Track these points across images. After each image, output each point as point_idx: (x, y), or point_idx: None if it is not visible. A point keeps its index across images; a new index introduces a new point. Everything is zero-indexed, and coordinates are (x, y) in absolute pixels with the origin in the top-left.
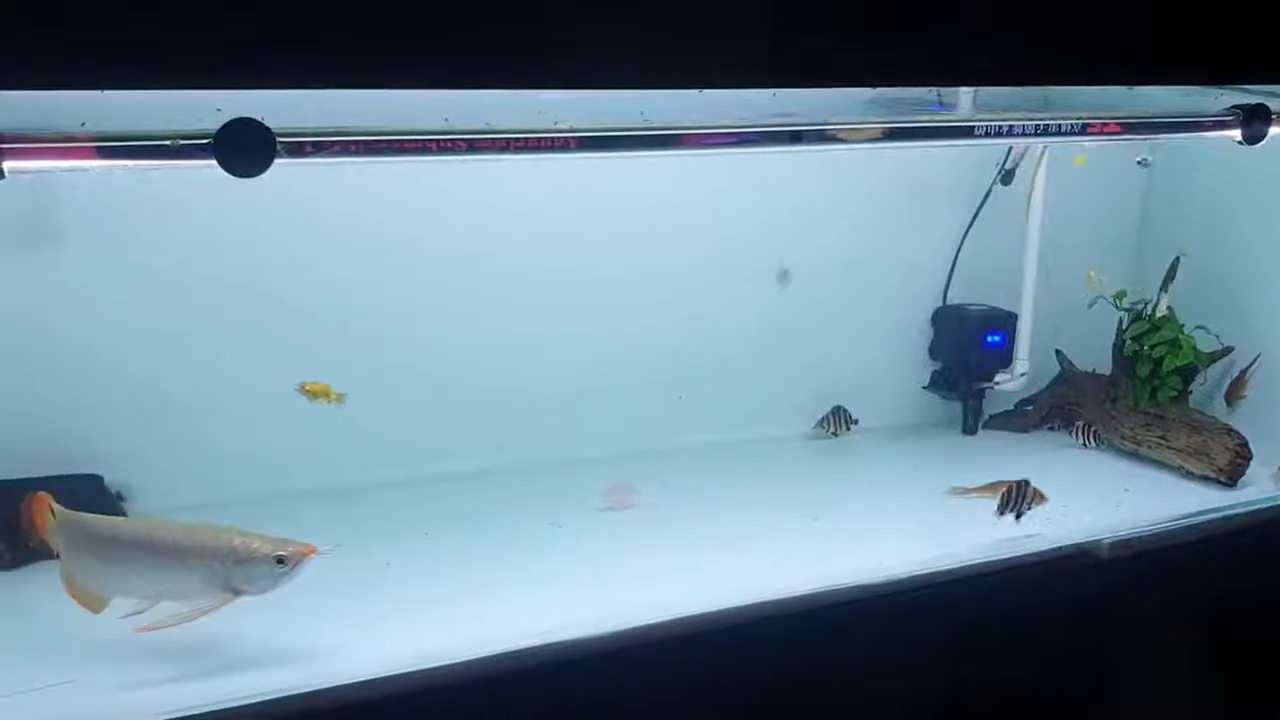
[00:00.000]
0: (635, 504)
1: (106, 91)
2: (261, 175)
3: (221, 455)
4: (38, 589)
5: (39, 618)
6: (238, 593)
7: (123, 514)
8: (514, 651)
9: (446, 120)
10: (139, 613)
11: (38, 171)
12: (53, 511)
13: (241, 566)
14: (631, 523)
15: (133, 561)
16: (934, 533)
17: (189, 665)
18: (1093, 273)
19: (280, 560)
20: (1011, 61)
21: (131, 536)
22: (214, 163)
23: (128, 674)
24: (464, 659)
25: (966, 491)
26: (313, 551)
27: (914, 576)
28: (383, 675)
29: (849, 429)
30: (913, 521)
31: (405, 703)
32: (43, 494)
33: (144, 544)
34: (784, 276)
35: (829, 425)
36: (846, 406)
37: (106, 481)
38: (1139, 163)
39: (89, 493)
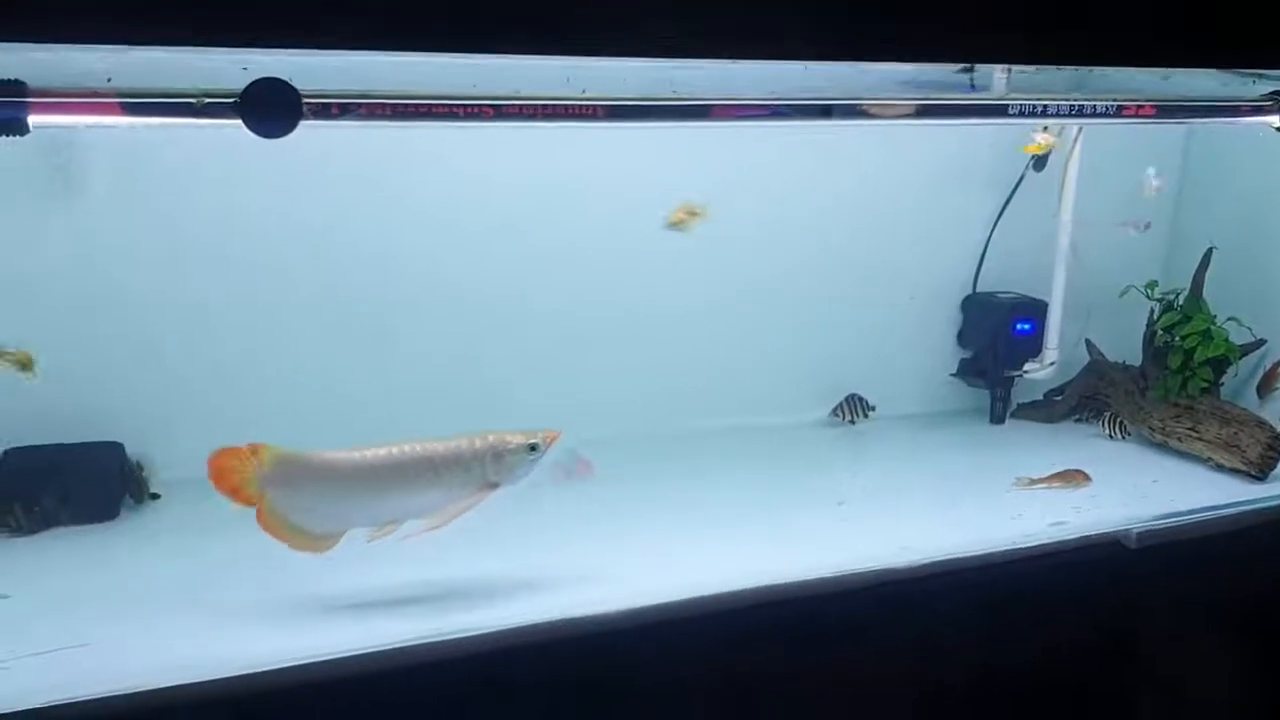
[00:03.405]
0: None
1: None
2: (286, 137)
3: (242, 426)
4: (60, 553)
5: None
6: (494, 486)
7: (144, 484)
8: (533, 625)
9: (475, 86)
10: (379, 537)
11: (62, 127)
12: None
13: (500, 460)
14: (642, 505)
15: (383, 487)
16: (961, 520)
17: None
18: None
19: (533, 448)
20: (1043, 43)
21: (375, 463)
22: (239, 122)
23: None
24: (478, 632)
25: (1034, 482)
26: (557, 436)
27: (941, 561)
28: (389, 648)
29: (866, 416)
30: (940, 509)
31: (410, 677)
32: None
33: (394, 467)
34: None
35: (843, 414)
36: (873, 392)
37: (127, 451)
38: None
39: (110, 460)
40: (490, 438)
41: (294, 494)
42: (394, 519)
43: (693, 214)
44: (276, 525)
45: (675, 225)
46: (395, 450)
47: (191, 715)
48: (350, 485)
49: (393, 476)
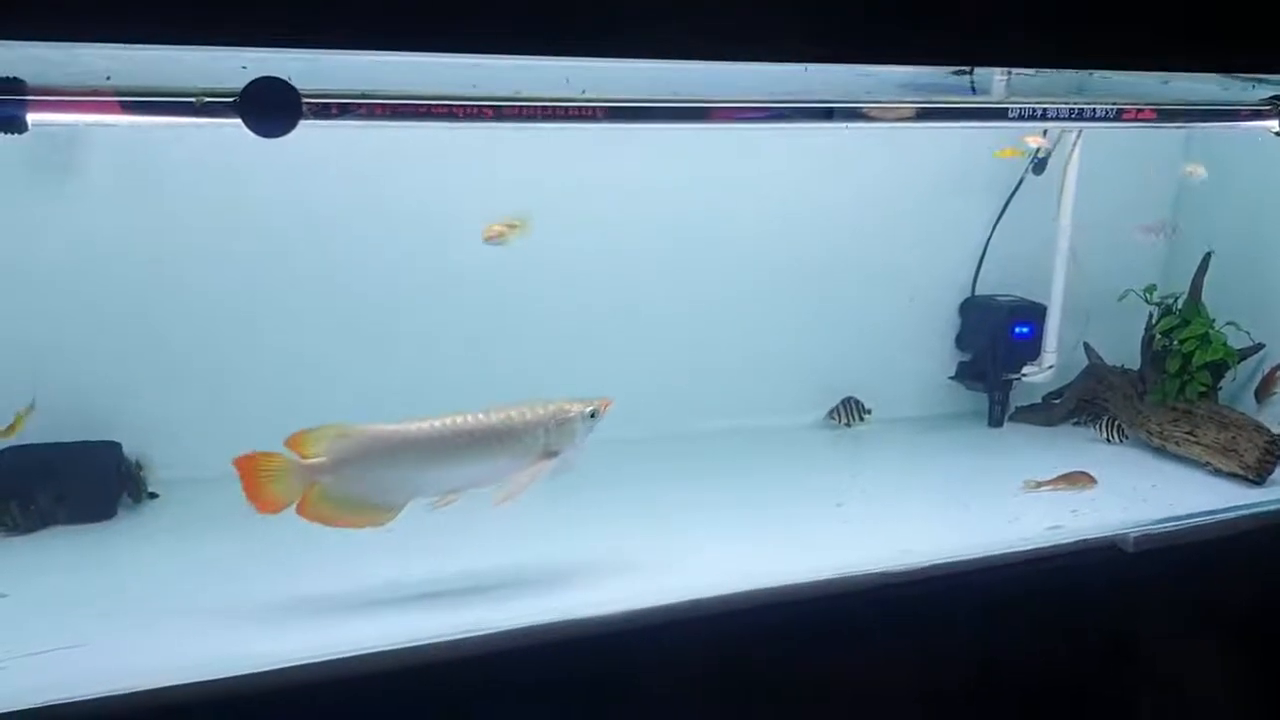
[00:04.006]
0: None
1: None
2: (286, 136)
3: (240, 427)
4: (57, 552)
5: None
6: (554, 454)
7: (142, 483)
8: (531, 628)
9: (475, 86)
10: (442, 506)
11: (62, 125)
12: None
13: (561, 428)
14: (641, 506)
15: (446, 456)
16: (960, 523)
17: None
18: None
19: (593, 414)
20: (1043, 46)
21: (439, 432)
22: (239, 122)
23: None
24: (473, 634)
25: (1040, 484)
26: (611, 403)
27: (940, 564)
28: (395, 648)
29: (862, 419)
30: (939, 512)
31: (415, 678)
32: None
33: (457, 436)
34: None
35: (839, 416)
36: (871, 395)
37: (125, 450)
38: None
39: (107, 459)
40: (550, 405)
41: (354, 469)
42: (457, 488)
43: (512, 227)
44: (330, 510)
45: (493, 239)
46: (459, 419)
47: (190, 716)
48: (415, 455)
49: (456, 445)
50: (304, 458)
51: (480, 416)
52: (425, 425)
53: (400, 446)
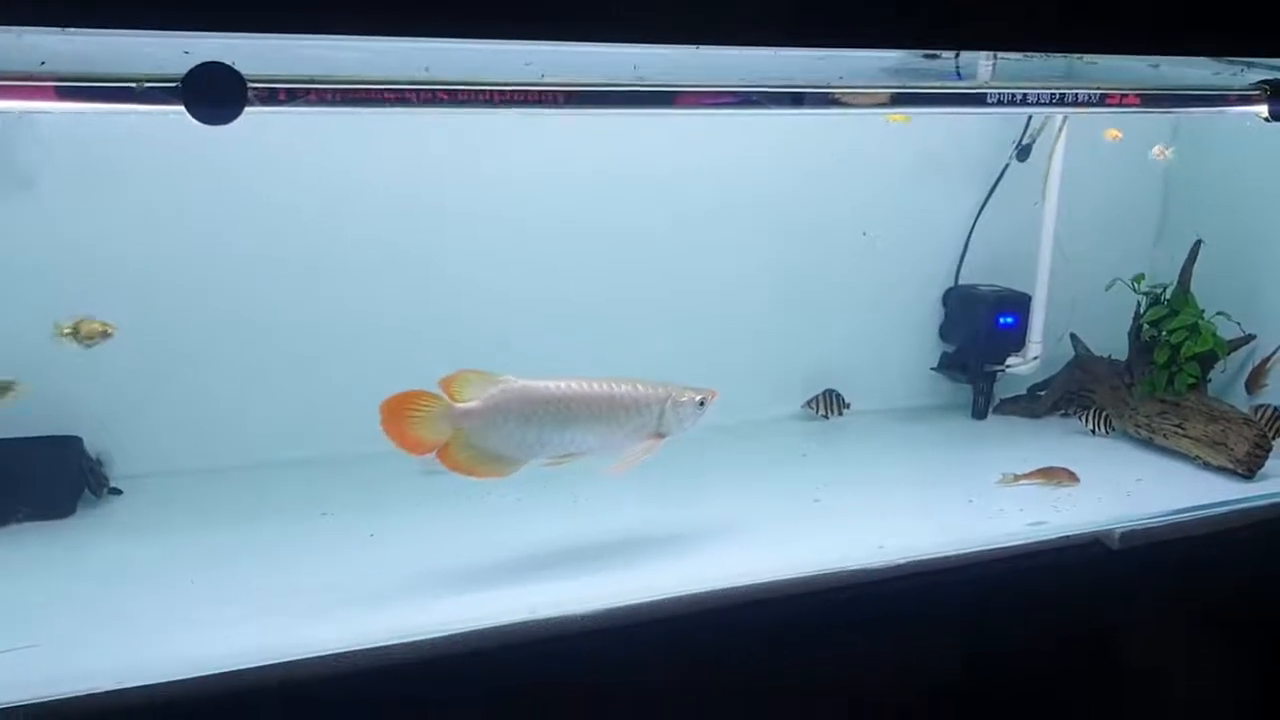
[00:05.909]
0: None
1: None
2: (231, 123)
3: (205, 420)
4: (12, 551)
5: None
6: (661, 436)
7: (103, 478)
8: (502, 627)
9: (427, 70)
10: (553, 465)
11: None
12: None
13: (674, 410)
14: (617, 501)
15: (574, 418)
16: (940, 518)
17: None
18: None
19: (701, 403)
20: (1031, 28)
21: (573, 395)
22: (181, 108)
23: None
24: (450, 633)
25: (1017, 478)
26: (718, 394)
27: (921, 561)
28: (370, 647)
29: (841, 412)
30: (919, 506)
31: (394, 674)
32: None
33: (586, 401)
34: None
35: (818, 407)
36: (853, 386)
37: (86, 444)
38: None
39: (67, 455)
40: (670, 387)
41: (500, 418)
42: (577, 451)
43: (101, 332)
44: (467, 457)
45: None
46: (589, 385)
47: (149, 716)
48: (554, 412)
49: (591, 409)
50: (456, 401)
51: (613, 385)
52: (565, 384)
53: (543, 402)
